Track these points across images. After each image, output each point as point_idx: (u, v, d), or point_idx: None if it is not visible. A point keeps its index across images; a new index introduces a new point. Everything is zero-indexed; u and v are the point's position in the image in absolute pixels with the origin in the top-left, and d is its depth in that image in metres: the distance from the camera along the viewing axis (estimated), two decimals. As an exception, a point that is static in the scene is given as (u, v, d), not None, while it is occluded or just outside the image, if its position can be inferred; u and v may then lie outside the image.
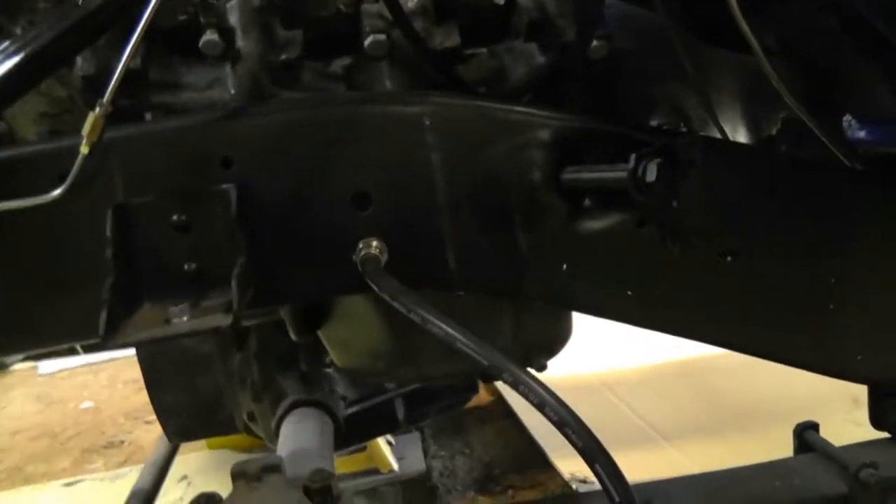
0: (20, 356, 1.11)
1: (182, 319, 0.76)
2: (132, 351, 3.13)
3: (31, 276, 0.83)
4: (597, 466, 0.60)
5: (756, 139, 1.30)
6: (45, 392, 3.21)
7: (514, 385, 0.63)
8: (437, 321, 0.69)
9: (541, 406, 0.61)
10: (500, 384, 2.47)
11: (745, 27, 0.87)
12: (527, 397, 0.62)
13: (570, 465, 1.96)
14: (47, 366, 3.37)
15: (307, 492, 0.91)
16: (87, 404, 3.04)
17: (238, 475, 0.91)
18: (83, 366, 3.35)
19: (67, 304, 0.83)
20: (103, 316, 0.73)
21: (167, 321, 0.76)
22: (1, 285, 0.83)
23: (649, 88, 1.18)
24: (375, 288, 0.77)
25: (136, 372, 3.46)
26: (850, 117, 1.14)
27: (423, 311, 0.70)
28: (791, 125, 1.27)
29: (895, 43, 0.86)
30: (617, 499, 0.57)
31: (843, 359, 0.94)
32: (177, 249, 0.80)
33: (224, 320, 0.73)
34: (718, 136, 1.13)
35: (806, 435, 1.06)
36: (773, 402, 2.03)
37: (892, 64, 0.92)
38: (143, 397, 3.15)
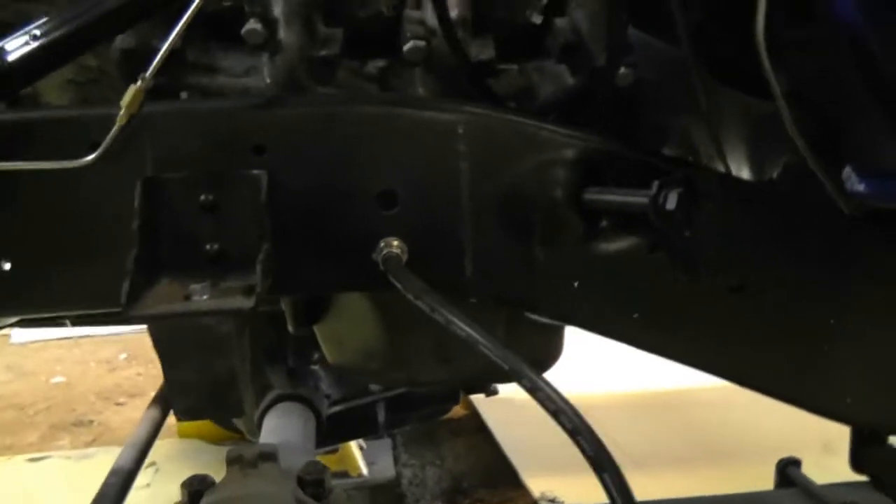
0: (14, 319, 1.11)
1: (202, 298, 0.77)
2: (109, 329, 3.12)
3: (55, 239, 0.83)
4: (605, 477, 0.61)
5: (758, 180, 1.33)
6: (17, 362, 3.17)
7: (532, 391, 0.64)
8: (460, 322, 0.71)
9: (556, 414, 0.63)
10: (475, 398, 2.49)
11: (768, 67, 0.90)
12: (543, 404, 0.63)
13: (541, 484, 1.97)
14: (20, 335, 3.32)
15: (301, 483, 0.92)
16: (58, 379, 3.01)
17: (234, 460, 0.92)
18: (57, 339, 3.31)
19: (89, 271, 0.83)
20: (125, 286, 0.74)
21: (187, 298, 0.77)
22: (20, 245, 0.83)
23: (664, 119, 1.21)
24: (399, 286, 0.78)
25: (110, 352, 3.45)
26: (849, 170, 1.18)
27: (447, 312, 0.72)
28: (792, 170, 1.30)
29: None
30: (624, 510, 0.59)
31: (833, 399, 0.97)
32: (201, 228, 0.81)
33: (246, 303, 0.74)
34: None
35: (788, 470, 1.08)
36: (747, 439, 2.06)
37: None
38: (116, 378, 3.14)
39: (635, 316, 0.91)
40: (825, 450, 1.96)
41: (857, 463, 1.10)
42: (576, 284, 0.89)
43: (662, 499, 1.00)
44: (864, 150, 1.15)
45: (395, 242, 0.84)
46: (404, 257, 0.83)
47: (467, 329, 0.70)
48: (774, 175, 1.35)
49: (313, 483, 0.92)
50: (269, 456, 0.93)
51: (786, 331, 0.95)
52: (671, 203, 0.78)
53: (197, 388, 0.77)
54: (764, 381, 0.96)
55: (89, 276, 0.84)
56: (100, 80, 1.03)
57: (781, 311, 0.95)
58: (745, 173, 1.33)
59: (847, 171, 1.20)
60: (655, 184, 0.78)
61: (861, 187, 1.18)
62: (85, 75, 1.02)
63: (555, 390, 0.64)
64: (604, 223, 0.88)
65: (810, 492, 1.03)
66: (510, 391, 1.33)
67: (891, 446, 1.09)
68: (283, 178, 0.82)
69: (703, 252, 0.89)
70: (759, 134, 1.29)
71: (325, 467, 0.95)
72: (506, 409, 2.30)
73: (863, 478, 1.11)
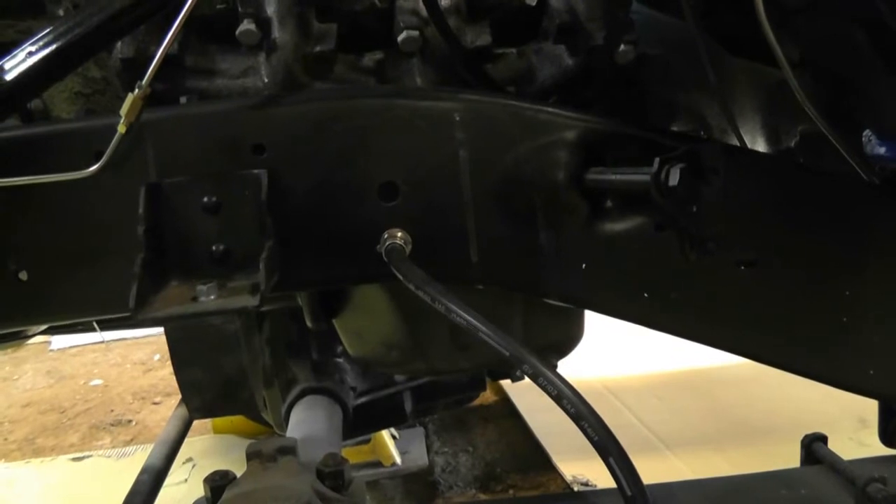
0: (43, 327, 1.14)
1: (209, 298, 0.77)
2: (143, 332, 3.18)
3: (64, 248, 0.85)
4: (611, 460, 0.61)
5: (775, 150, 1.31)
6: (56, 367, 3.26)
7: (534, 377, 0.64)
8: (461, 311, 0.71)
9: (558, 398, 0.63)
10: (505, 384, 2.49)
11: (772, 38, 0.88)
12: (545, 389, 0.63)
13: (573, 468, 1.97)
14: (59, 341, 3.41)
15: (320, 475, 0.92)
16: (96, 381, 3.09)
17: (253, 455, 0.93)
18: (94, 343, 3.39)
19: (99, 278, 0.84)
20: (133, 290, 0.75)
21: (194, 299, 0.78)
22: (36, 256, 0.85)
23: (672, 95, 1.19)
24: (401, 277, 0.78)
25: (145, 353, 3.53)
26: (869, 133, 1.15)
27: (447, 301, 0.72)
28: (809, 138, 1.27)
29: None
30: (629, 493, 0.59)
31: (854, 372, 0.95)
32: (206, 230, 0.82)
33: (251, 301, 0.75)
34: (738, 145, 1.14)
35: (814, 447, 1.06)
36: (779, 417, 2.03)
37: (915, 82, 0.93)
38: (151, 378, 3.21)
39: (646, 296, 0.90)
40: (861, 424, 1.93)
41: (886, 437, 1.08)
42: (583, 266, 0.88)
43: (679, 480, 0.99)
44: (881, 113, 1.13)
45: (399, 233, 0.84)
46: (408, 248, 0.83)
47: (467, 317, 0.70)
48: (792, 144, 1.33)
49: (332, 475, 0.92)
50: (287, 450, 0.94)
51: (801, 305, 0.93)
52: (673, 179, 0.77)
53: (208, 386, 0.77)
54: (782, 358, 0.95)
55: (100, 282, 0.86)
56: (105, 91, 1.04)
57: (796, 285, 0.93)
58: (760, 144, 1.31)
59: (867, 135, 1.18)
60: (657, 160, 0.77)
61: (882, 150, 1.15)
62: (91, 86, 1.04)
63: (557, 375, 0.64)
64: (608, 203, 0.87)
65: (836, 468, 1.01)
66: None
67: (920, 418, 1.07)
68: (284, 175, 0.83)
69: (711, 228, 0.87)
70: (773, 103, 1.27)
71: (343, 459, 0.95)
72: (537, 394, 2.29)
73: (894, 452, 1.09)
